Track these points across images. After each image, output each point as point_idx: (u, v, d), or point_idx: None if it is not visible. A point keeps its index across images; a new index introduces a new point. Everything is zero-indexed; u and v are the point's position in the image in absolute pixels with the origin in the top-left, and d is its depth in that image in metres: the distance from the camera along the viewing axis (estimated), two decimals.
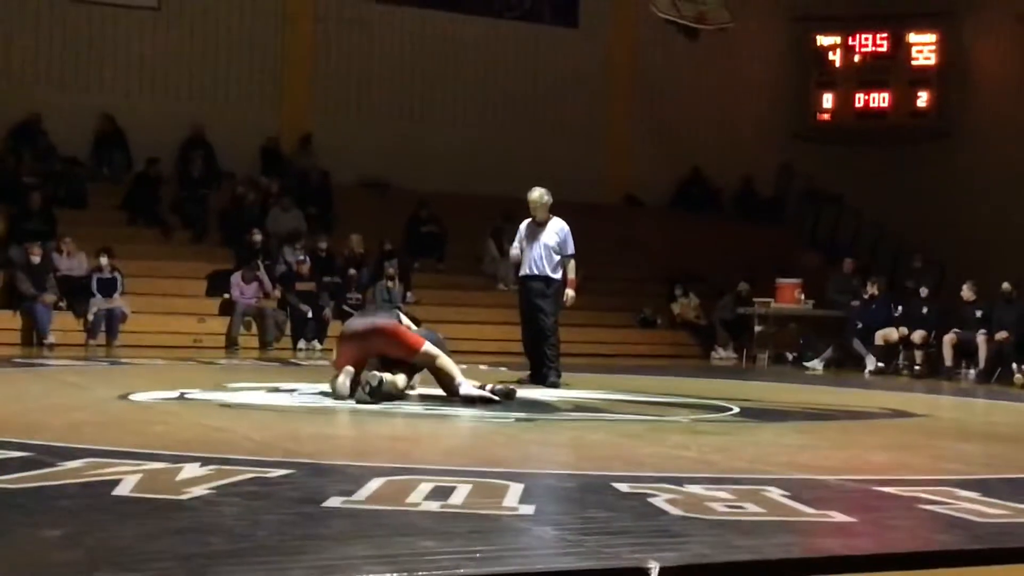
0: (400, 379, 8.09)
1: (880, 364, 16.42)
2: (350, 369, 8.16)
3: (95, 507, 3.80)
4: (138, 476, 4.32)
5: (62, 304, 15.90)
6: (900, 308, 17.34)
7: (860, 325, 17.04)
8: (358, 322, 8.63)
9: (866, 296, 17.60)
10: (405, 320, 8.63)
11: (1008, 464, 6.08)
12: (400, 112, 20.97)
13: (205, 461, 4.71)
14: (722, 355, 18.73)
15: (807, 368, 16.93)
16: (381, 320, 8.38)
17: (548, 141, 21.28)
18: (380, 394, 7.80)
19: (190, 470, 4.48)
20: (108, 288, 16.01)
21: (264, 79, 20.34)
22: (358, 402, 7.79)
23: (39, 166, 18.08)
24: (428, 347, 8.15)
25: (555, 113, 21.84)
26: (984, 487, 4.74)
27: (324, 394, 8.31)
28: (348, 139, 20.18)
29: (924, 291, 17.06)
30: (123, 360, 13.01)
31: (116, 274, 16.13)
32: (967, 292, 16.05)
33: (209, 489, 4.10)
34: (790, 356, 18.09)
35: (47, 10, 19.04)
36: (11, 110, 18.23)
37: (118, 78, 19.41)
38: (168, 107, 19.39)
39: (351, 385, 8.04)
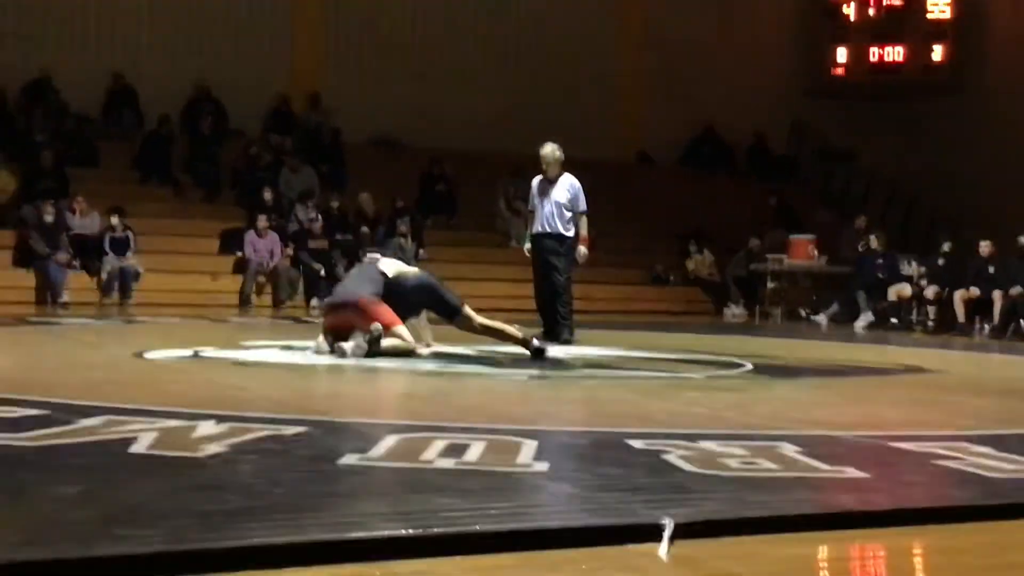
0: (404, 334, 8.19)
1: (871, 319, 16.39)
2: (328, 337, 8.29)
3: (111, 465, 3.81)
4: (154, 434, 4.32)
5: (75, 263, 15.94)
6: (914, 264, 17.30)
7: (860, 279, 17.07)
8: (340, 292, 8.79)
9: (861, 250, 17.58)
10: (398, 267, 8.70)
11: (1022, 419, 6.07)
12: (411, 70, 20.87)
13: (221, 419, 4.71)
14: (735, 311, 18.71)
15: (812, 321, 16.92)
16: (361, 293, 8.40)
17: (559, 98, 21.18)
18: (379, 347, 7.89)
19: (206, 428, 4.49)
20: (121, 247, 16.04)
21: (274, 36, 20.27)
22: (351, 354, 7.84)
23: (50, 124, 18.07)
24: (398, 329, 8.20)
25: (566, 70, 21.73)
26: (998, 442, 4.72)
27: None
28: (359, 97, 20.11)
29: (947, 245, 16.91)
30: (137, 318, 13.06)
31: (129, 233, 16.15)
32: (986, 248, 15.96)
33: (225, 447, 4.11)
34: (803, 312, 18.07)
35: None
36: (22, 69, 18.19)
37: (128, 36, 19.36)
38: (179, 65, 19.36)
39: (329, 346, 8.17)
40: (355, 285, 8.66)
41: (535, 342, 8.62)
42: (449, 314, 8.71)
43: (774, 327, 16.50)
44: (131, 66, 19.06)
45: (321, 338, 8.31)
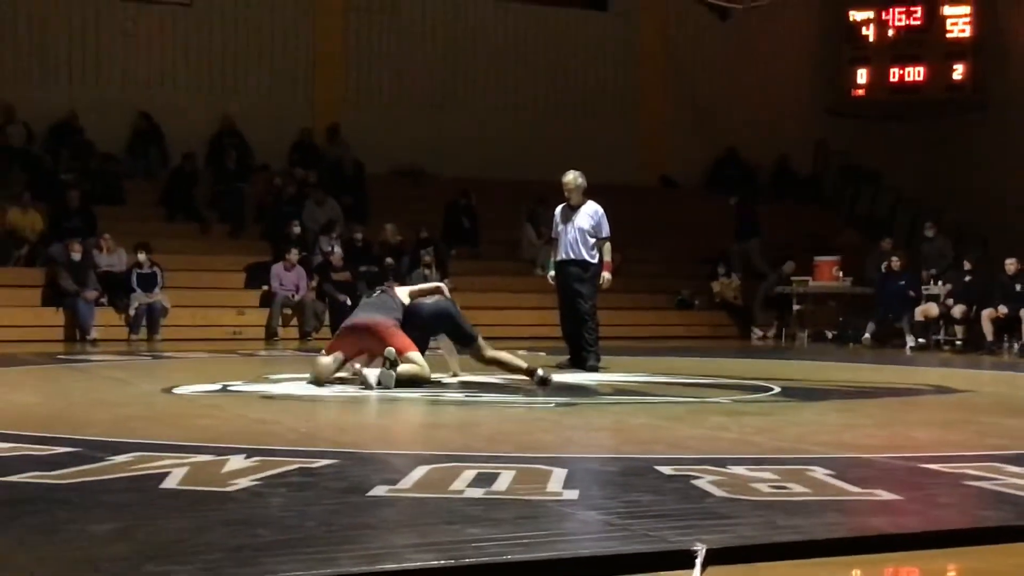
0: (419, 360, 8.26)
1: (921, 340, 16.33)
2: (339, 356, 8.32)
3: (144, 501, 3.83)
4: (185, 469, 4.34)
5: (103, 300, 16.03)
6: (940, 282, 17.23)
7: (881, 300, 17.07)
8: (359, 317, 8.79)
9: (883, 271, 17.54)
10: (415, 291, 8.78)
11: None
12: (432, 99, 20.97)
13: (250, 453, 4.73)
14: (760, 335, 18.65)
15: (861, 343, 16.81)
16: (377, 318, 8.45)
17: (582, 124, 21.26)
18: (398, 374, 7.94)
19: (236, 462, 4.50)
20: (148, 283, 16.12)
21: (296, 71, 20.40)
22: (380, 384, 7.86)
23: (77, 164, 18.23)
24: (412, 355, 8.23)
25: (588, 96, 21.81)
26: None
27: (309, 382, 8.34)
28: (381, 128, 20.21)
29: (967, 264, 16.88)
30: (165, 354, 13.11)
31: (156, 269, 16.24)
32: (1011, 265, 15.87)
33: (255, 480, 4.12)
34: (829, 334, 17.99)
35: (79, 9, 19.17)
36: (48, 109, 18.38)
37: (152, 75, 19.53)
38: (202, 102, 19.51)
39: (335, 369, 8.25)
40: (370, 312, 8.71)
41: (540, 372, 8.62)
42: (464, 342, 8.82)
43: (800, 349, 16.43)
44: (156, 104, 19.21)
45: (328, 359, 8.29)
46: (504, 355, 8.94)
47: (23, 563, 2.93)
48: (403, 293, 8.78)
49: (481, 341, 8.77)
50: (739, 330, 19.07)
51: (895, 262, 17.37)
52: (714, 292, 19.54)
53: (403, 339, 8.27)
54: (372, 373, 8.01)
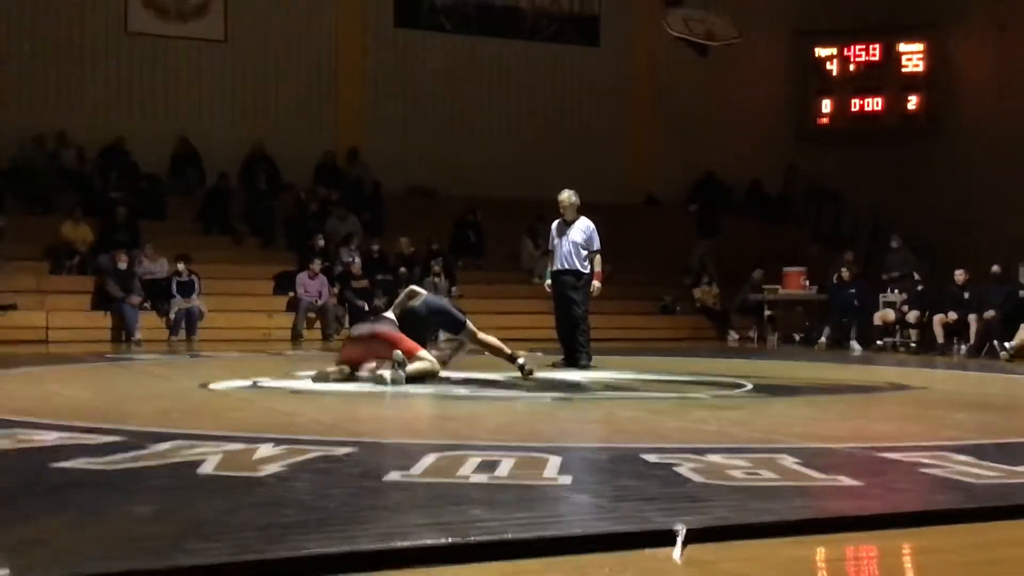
0: (426, 356, 8.27)
1: (858, 346, 16.33)
2: (345, 369, 8.33)
3: (182, 485, 3.83)
4: (219, 456, 4.33)
5: (147, 305, 16.04)
6: (896, 291, 17.22)
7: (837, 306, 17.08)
8: (362, 327, 8.86)
9: (835, 281, 17.53)
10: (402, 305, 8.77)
11: (999, 431, 6.02)
12: (444, 126, 20.99)
13: (278, 442, 4.72)
14: (737, 337, 18.63)
15: (817, 345, 16.81)
16: (380, 327, 8.50)
17: (576, 149, 21.28)
18: (409, 372, 7.95)
19: (265, 450, 4.49)
20: (187, 290, 16.13)
21: (320, 100, 20.43)
22: (392, 382, 7.87)
23: (124, 183, 18.24)
24: (421, 353, 8.24)
25: (582, 124, 21.86)
26: (979, 451, 4.69)
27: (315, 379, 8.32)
28: (397, 151, 20.23)
29: (917, 276, 16.94)
30: (202, 353, 13.11)
31: (194, 277, 16.25)
32: (960, 276, 15.88)
33: (282, 466, 4.11)
34: (797, 337, 17.97)
35: (128, 46, 19.21)
36: (98, 135, 18.41)
37: (191, 103, 19.56)
38: (236, 127, 19.54)
39: (343, 376, 8.24)
40: (372, 324, 8.78)
41: (520, 360, 8.80)
42: (456, 328, 8.96)
43: (771, 351, 16.42)
44: (194, 130, 19.24)
45: (332, 367, 8.33)
46: (493, 340, 9.03)
47: (75, 541, 2.92)
48: (389, 316, 8.76)
49: (470, 325, 8.88)
50: (717, 333, 19.04)
51: (845, 273, 17.40)
52: (696, 298, 19.53)
53: (409, 341, 8.29)
54: (387, 373, 8.02)
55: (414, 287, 9.33)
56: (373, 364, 8.33)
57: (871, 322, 16.75)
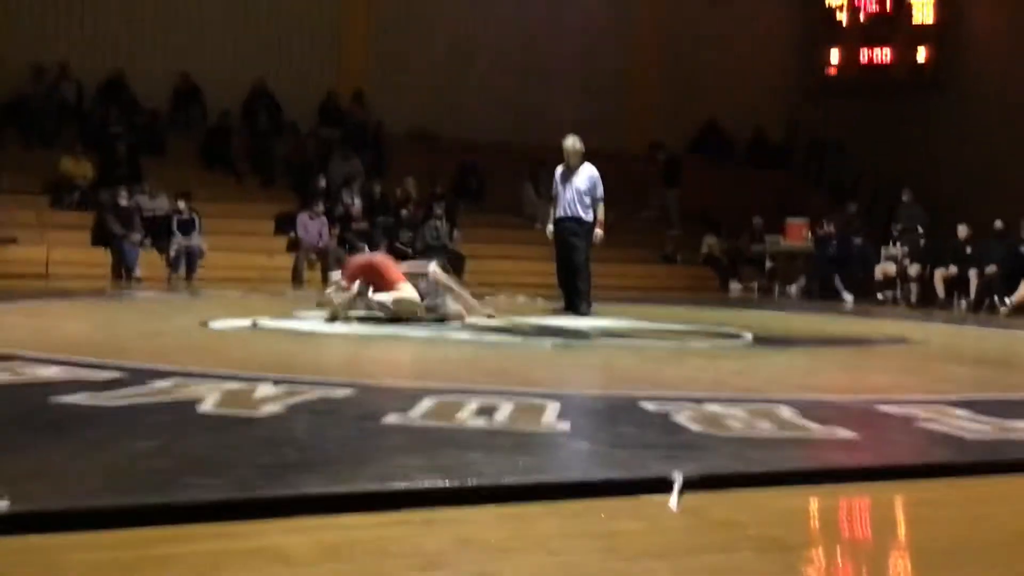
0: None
1: (849, 297, 16.38)
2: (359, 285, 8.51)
3: (181, 421, 3.84)
4: (218, 394, 4.34)
5: (147, 242, 16.03)
6: (898, 244, 17.22)
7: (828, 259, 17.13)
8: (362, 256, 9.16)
9: (821, 233, 17.54)
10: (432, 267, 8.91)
11: (996, 385, 6.04)
12: (447, 68, 20.86)
13: (277, 382, 4.73)
14: (737, 287, 18.66)
15: (785, 294, 16.94)
16: (377, 256, 8.94)
17: (580, 95, 21.14)
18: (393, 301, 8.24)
19: (264, 389, 4.50)
20: (187, 228, 16.11)
21: (323, 39, 20.29)
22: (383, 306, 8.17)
23: (124, 119, 18.16)
24: (403, 286, 8.45)
25: (586, 70, 21.68)
26: (974, 406, 4.69)
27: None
28: (400, 93, 20.12)
29: (920, 230, 16.93)
30: (202, 292, 13.11)
31: (194, 215, 16.22)
32: (963, 231, 15.86)
33: (281, 407, 4.12)
34: (794, 288, 18.00)
35: None
36: (98, 70, 18.29)
37: (194, 40, 19.41)
38: (238, 65, 19.41)
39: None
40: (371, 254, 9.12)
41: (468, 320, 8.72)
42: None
43: (771, 301, 16.44)
44: (196, 66, 19.11)
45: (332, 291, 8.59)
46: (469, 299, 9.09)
47: (75, 474, 2.95)
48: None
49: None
50: (720, 283, 19.05)
51: (826, 227, 17.41)
52: (707, 248, 19.41)
53: (395, 272, 8.56)
54: (382, 297, 8.16)
55: (433, 267, 9.34)
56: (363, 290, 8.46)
57: (858, 273, 16.80)
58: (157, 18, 19.22)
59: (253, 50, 19.75)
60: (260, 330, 7.94)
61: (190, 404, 4.12)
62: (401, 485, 2.91)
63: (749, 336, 8.55)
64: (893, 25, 22.67)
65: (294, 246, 16.81)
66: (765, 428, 4.03)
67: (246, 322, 8.23)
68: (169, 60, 18.98)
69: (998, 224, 15.62)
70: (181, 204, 16.16)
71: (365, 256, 9.33)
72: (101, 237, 15.87)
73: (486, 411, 4.13)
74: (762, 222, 18.64)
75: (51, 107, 17.86)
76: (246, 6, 19.71)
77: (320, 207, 16.85)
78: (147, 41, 19.16)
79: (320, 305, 8.88)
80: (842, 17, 23.03)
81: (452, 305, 8.72)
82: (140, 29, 19.15)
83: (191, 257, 15.97)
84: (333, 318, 8.34)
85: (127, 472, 2.99)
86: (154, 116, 18.58)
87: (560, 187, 10.70)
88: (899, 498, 3.27)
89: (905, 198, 18.56)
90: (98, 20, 18.82)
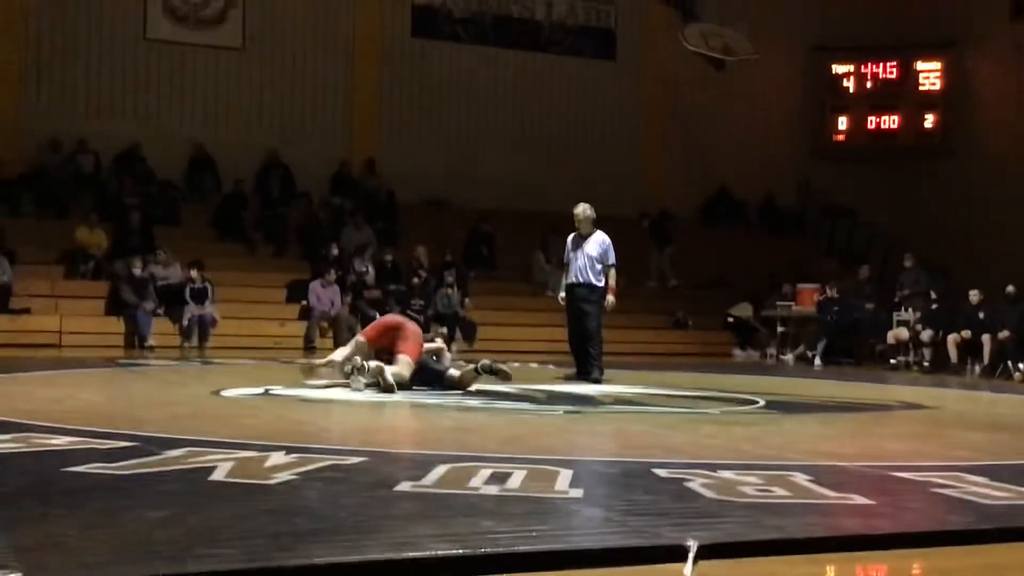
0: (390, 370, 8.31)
1: (819, 363, 16.46)
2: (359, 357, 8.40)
3: (194, 491, 3.83)
4: (231, 463, 4.34)
5: (160, 311, 16.08)
6: (909, 310, 17.18)
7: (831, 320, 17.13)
8: (396, 316, 9.19)
9: (821, 298, 17.53)
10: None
11: (1012, 451, 6.00)
12: (459, 137, 21.03)
13: (289, 450, 4.73)
14: (749, 353, 18.58)
15: (780, 360, 16.92)
16: (410, 324, 8.79)
17: (591, 163, 21.28)
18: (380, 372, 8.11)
19: (276, 458, 4.50)
20: (200, 296, 16.17)
21: (335, 110, 20.48)
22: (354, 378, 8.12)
23: (139, 189, 18.32)
24: (404, 359, 8.36)
25: (597, 137, 21.87)
26: (991, 472, 4.66)
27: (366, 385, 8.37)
28: (411, 162, 20.28)
29: (933, 295, 16.90)
30: (214, 360, 13.13)
31: (207, 284, 16.29)
32: (975, 296, 15.84)
33: (294, 475, 4.12)
34: (809, 354, 17.92)
35: (145, 52, 19.30)
36: (114, 141, 18.49)
37: (208, 110, 19.64)
38: (251, 135, 19.60)
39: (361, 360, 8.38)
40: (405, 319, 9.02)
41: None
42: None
43: (783, 367, 16.38)
44: (210, 137, 19.31)
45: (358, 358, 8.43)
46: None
47: (88, 545, 2.94)
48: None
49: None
50: (740, 348, 18.90)
51: (828, 292, 17.41)
52: (739, 312, 19.24)
53: (412, 345, 8.44)
54: (389, 369, 8.15)
55: (443, 348, 9.37)
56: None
57: (868, 338, 16.77)
58: (173, 90, 19.45)
59: (266, 120, 19.96)
60: (272, 399, 7.94)
61: (202, 473, 4.12)
62: (414, 554, 2.90)
63: (762, 401, 8.51)
64: (900, 92, 22.86)
65: (306, 314, 16.84)
66: (780, 494, 4.01)
67: (258, 391, 8.23)
68: (184, 131, 19.18)
69: (1010, 289, 15.58)
70: (194, 273, 16.24)
71: (400, 318, 9.07)
72: (115, 306, 15.93)
73: (499, 478, 4.11)
74: (792, 289, 18.60)
75: (68, 177, 18.04)
76: (260, 77, 19.95)
77: (332, 275, 16.90)
78: (163, 113, 19.38)
79: (304, 373, 8.86)
80: (849, 85, 23.23)
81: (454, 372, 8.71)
82: (156, 101, 19.37)
83: (204, 325, 16.01)
84: (388, 389, 8.09)
85: (140, 542, 2.98)
86: (168, 186, 18.73)
87: (572, 254, 10.74)
88: (916, 565, 3.23)
89: (908, 263, 18.54)
90: (115, 92, 19.06)
